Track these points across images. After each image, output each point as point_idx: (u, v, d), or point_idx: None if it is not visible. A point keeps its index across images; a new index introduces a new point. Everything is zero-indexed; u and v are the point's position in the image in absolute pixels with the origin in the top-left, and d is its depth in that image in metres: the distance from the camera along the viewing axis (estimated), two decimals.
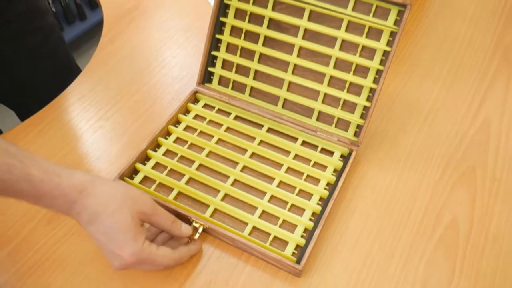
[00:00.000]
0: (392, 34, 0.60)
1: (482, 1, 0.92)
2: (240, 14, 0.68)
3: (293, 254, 0.55)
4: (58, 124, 0.70)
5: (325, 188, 0.60)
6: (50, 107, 0.73)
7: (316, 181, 0.62)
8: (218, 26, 0.69)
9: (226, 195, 0.60)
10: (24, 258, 0.55)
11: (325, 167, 0.63)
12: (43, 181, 0.45)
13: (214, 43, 0.70)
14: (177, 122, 0.69)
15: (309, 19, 0.64)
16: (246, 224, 0.57)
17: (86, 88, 0.75)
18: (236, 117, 0.69)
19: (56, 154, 0.66)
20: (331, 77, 0.65)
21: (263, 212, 0.58)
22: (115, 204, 0.47)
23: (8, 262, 0.55)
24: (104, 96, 0.74)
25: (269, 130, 0.68)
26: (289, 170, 0.63)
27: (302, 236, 0.56)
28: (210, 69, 0.71)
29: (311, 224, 0.56)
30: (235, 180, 0.62)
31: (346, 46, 0.63)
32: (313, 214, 0.58)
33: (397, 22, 0.59)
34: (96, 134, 0.69)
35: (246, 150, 0.65)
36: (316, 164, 0.64)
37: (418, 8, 0.90)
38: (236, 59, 0.69)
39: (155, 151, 0.64)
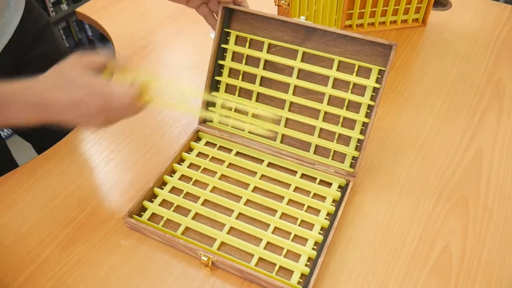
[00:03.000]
0: (381, 72, 0.62)
1: (474, 39, 0.94)
2: (237, 57, 0.70)
3: (298, 282, 0.55)
4: (72, 156, 0.72)
5: (325, 218, 0.62)
6: (65, 140, 0.75)
7: (316, 211, 0.63)
8: (217, 68, 0.71)
9: (231, 228, 0.61)
10: (39, 284, 0.56)
11: (324, 198, 0.64)
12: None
13: (214, 84, 0.72)
14: (181, 160, 0.70)
15: (302, 60, 0.66)
16: (252, 255, 0.58)
17: None
18: (237, 153, 0.71)
19: (71, 185, 0.68)
20: (325, 113, 0.67)
21: (268, 243, 0.60)
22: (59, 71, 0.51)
23: None
24: (116, 130, 0.76)
25: (270, 164, 0.69)
26: (291, 202, 0.64)
27: (306, 265, 0.57)
28: (210, 108, 0.73)
29: (314, 253, 0.57)
30: (240, 213, 0.63)
31: (338, 84, 0.65)
32: (316, 243, 0.59)
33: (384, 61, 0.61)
34: (108, 166, 0.71)
35: (248, 185, 0.66)
36: (315, 195, 0.65)
37: (413, 45, 0.92)
38: (235, 99, 0.71)
39: (162, 188, 0.66)
